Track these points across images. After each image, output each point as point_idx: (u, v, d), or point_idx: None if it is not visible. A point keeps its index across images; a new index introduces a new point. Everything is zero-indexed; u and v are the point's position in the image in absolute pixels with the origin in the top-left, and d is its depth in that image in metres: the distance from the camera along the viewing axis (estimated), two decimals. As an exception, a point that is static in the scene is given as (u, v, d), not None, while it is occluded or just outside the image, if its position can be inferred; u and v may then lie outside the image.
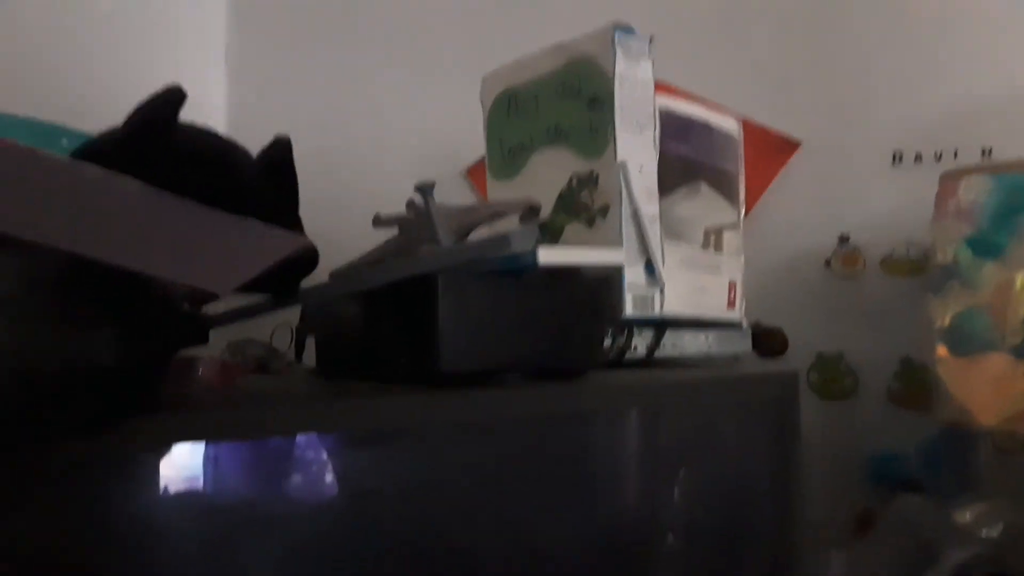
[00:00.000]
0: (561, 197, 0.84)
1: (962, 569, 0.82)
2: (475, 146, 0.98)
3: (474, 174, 1.28)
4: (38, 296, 0.44)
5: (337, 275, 0.77)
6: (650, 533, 0.89)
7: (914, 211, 1.16)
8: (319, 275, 0.75)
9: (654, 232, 0.80)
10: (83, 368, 0.44)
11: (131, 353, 0.46)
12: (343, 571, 0.64)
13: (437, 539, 0.69)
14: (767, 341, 1.23)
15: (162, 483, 0.58)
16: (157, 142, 0.54)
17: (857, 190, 1.23)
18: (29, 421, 0.45)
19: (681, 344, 0.88)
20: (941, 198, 0.91)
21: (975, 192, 0.84)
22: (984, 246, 0.83)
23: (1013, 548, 0.83)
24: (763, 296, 1.13)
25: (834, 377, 1.23)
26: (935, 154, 1.19)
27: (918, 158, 1.21)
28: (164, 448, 0.55)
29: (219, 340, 0.83)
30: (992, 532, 0.81)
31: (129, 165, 0.50)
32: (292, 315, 0.86)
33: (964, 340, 0.83)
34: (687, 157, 0.85)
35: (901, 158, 1.21)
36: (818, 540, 1.02)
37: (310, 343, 0.86)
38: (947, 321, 0.85)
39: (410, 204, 0.74)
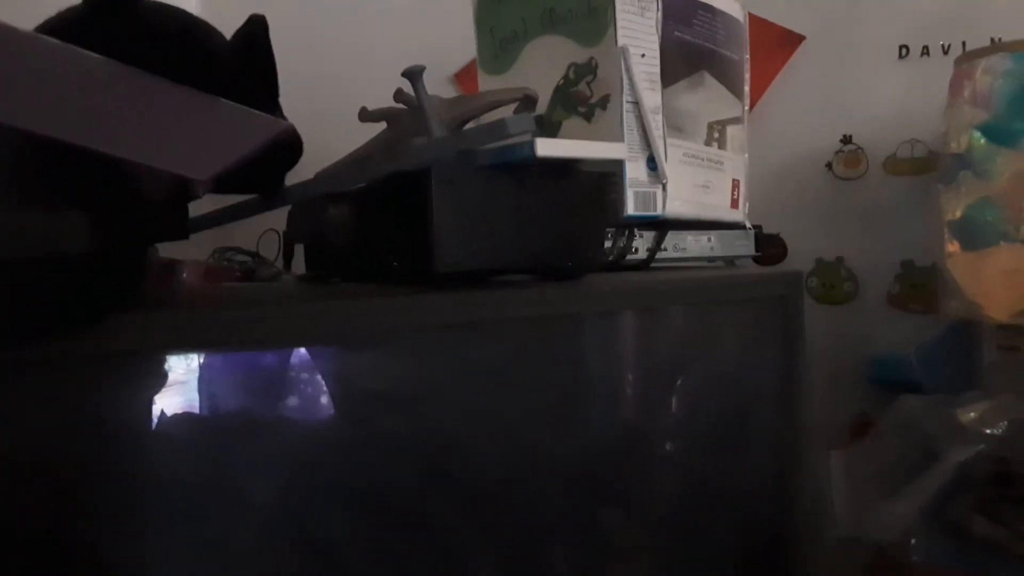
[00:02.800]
0: (558, 90, 0.79)
1: (965, 467, 0.82)
2: (463, 50, 0.93)
3: (462, 79, 1.22)
4: (3, 175, 0.40)
5: (324, 174, 0.72)
6: (651, 436, 0.88)
7: (920, 108, 1.12)
8: (304, 177, 0.71)
9: (656, 124, 0.76)
10: (51, 256, 0.40)
11: (103, 241, 0.42)
12: (338, 474, 0.62)
13: (433, 442, 0.67)
14: (765, 248, 1.20)
15: (145, 387, 0.55)
16: (121, 16, 0.49)
17: (861, 87, 1.19)
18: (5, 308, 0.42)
19: (683, 245, 0.85)
20: (955, 83, 0.87)
21: (992, 75, 0.79)
22: (999, 133, 0.79)
23: (1016, 445, 0.82)
24: (761, 202, 1.10)
25: (833, 282, 1.21)
26: (943, 47, 1.14)
27: (925, 51, 1.16)
28: (147, 348, 0.52)
29: (203, 247, 0.80)
30: (995, 430, 0.81)
31: (91, 39, 0.45)
32: (279, 221, 0.82)
33: (976, 233, 0.80)
34: (690, 43, 0.80)
35: (908, 52, 1.17)
36: (816, 444, 1.02)
37: (299, 250, 0.83)
38: (958, 214, 0.82)
39: (398, 95, 0.70)
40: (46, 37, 0.43)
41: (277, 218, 0.82)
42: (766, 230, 1.19)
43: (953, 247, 0.84)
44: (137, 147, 0.44)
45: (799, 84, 1.21)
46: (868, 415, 1.14)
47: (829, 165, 1.22)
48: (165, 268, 0.62)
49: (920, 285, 1.15)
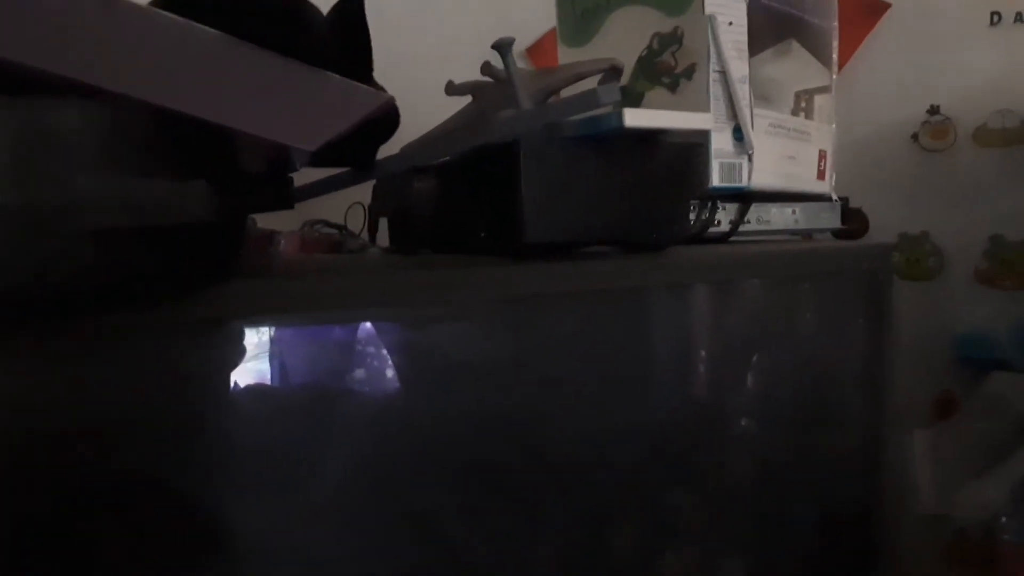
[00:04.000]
0: (640, 60, 0.79)
1: (1060, 445, 0.79)
2: (534, 24, 0.92)
3: (534, 53, 1.22)
4: (129, 146, 0.42)
5: (411, 147, 0.74)
6: (732, 411, 0.87)
7: (1013, 77, 1.08)
8: (390, 152, 0.72)
9: (743, 94, 0.75)
10: (177, 220, 0.42)
11: (222, 207, 0.44)
12: (424, 441, 0.64)
13: (520, 410, 0.68)
14: (848, 223, 1.18)
15: (247, 349, 0.57)
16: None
17: (950, 56, 1.15)
18: (126, 276, 0.44)
19: (767, 218, 0.84)
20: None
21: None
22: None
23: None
24: (843, 174, 1.08)
25: (918, 257, 1.18)
26: (1039, 12, 1.10)
27: (1018, 18, 1.11)
28: (252, 313, 0.54)
29: (294, 220, 0.82)
30: (1095, 407, 0.78)
31: (202, 14, 0.47)
32: (365, 196, 0.84)
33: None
34: (777, 11, 0.78)
35: (1000, 18, 1.12)
36: (899, 423, 1.00)
37: (383, 223, 0.85)
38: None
39: (486, 67, 0.70)
40: (164, 12, 0.45)
41: (363, 192, 0.84)
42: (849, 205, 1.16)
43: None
44: (250, 118, 0.46)
45: (884, 53, 1.18)
46: (952, 393, 1.11)
47: (915, 136, 1.18)
48: (264, 238, 0.65)
49: (1011, 261, 1.12)
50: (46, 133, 0.41)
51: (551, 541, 0.73)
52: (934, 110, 1.17)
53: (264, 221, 0.73)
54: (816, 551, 0.90)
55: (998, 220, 1.13)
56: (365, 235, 0.84)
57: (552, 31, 0.91)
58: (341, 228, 0.81)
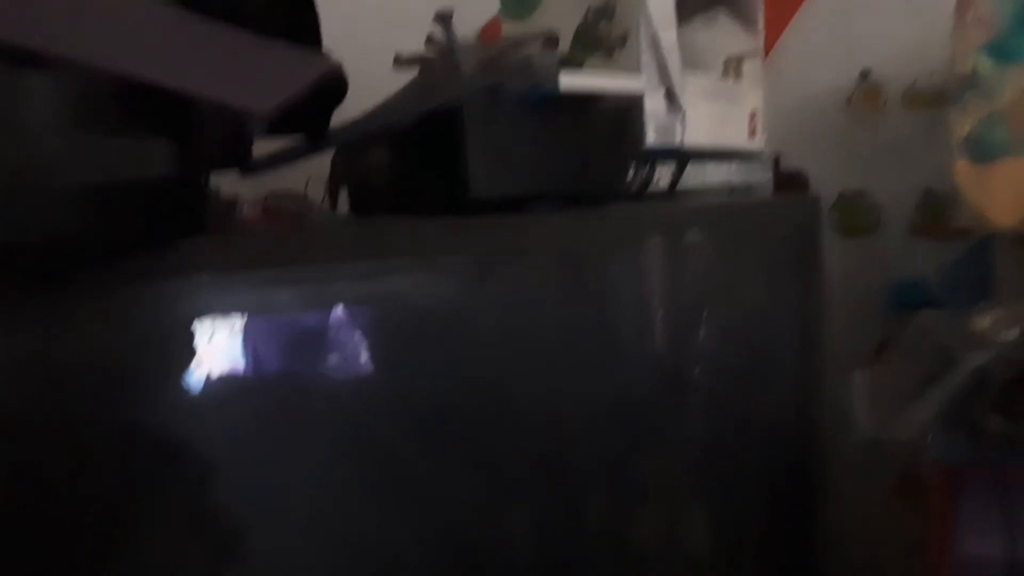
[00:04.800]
0: (578, 31, 0.84)
1: (980, 371, 0.86)
2: (485, 8, 0.97)
3: (487, 34, 1.27)
4: (94, 112, 0.46)
5: (363, 116, 0.78)
6: (675, 363, 0.93)
7: (936, 40, 1.14)
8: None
9: (673, 60, 0.81)
10: (141, 174, 0.47)
11: (183, 162, 0.49)
12: (381, 391, 0.69)
13: (469, 361, 0.73)
14: (788, 184, 1.24)
15: (211, 307, 0.61)
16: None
17: (878, 22, 1.21)
18: (94, 233, 0.48)
19: (703, 175, 0.90)
20: (960, 6, 0.90)
21: (994, -5, 0.83)
22: (1003, 51, 0.82)
23: (1030, 349, 0.86)
24: (784, 138, 1.14)
25: (855, 214, 1.25)
26: (958, -22, 1.16)
27: (940, -17, 1.18)
28: (215, 270, 0.59)
29: (257, 192, 0.86)
30: (1010, 335, 0.84)
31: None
32: (324, 168, 0.88)
33: (983, 148, 0.84)
34: (703, -19, 0.84)
35: (924, -16, 1.19)
36: (840, 367, 1.06)
37: (342, 194, 0.89)
38: (966, 131, 0.85)
39: (429, 40, 0.75)
40: (124, -12, 0.49)
41: (322, 165, 0.88)
42: (788, 166, 1.22)
43: (962, 163, 0.87)
44: (203, 84, 0.50)
45: (817, 21, 1.24)
46: (893, 338, 1.17)
47: (849, 100, 1.24)
48: (227, 206, 0.69)
49: (941, 213, 1.18)
50: (17, 99, 0.45)
51: (502, 487, 0.77)
52: (865, 74, 1.23)
53: (227, 193, 0.77)
54: (765, 493, 0.95)
55: (929, 176, 1.19)
56: (326, 204, 0.89)
57: (498, 18, 0.97)
58: (302, 197, 0.85)
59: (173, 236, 0.55)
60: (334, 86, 0.62)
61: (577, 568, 0.83)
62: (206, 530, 0.64)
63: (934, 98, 1.19)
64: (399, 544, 0.71)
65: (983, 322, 0.87)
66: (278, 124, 0.65)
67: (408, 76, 0.82)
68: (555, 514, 0.81)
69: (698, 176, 0.89)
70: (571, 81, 0.69)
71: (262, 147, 0.75)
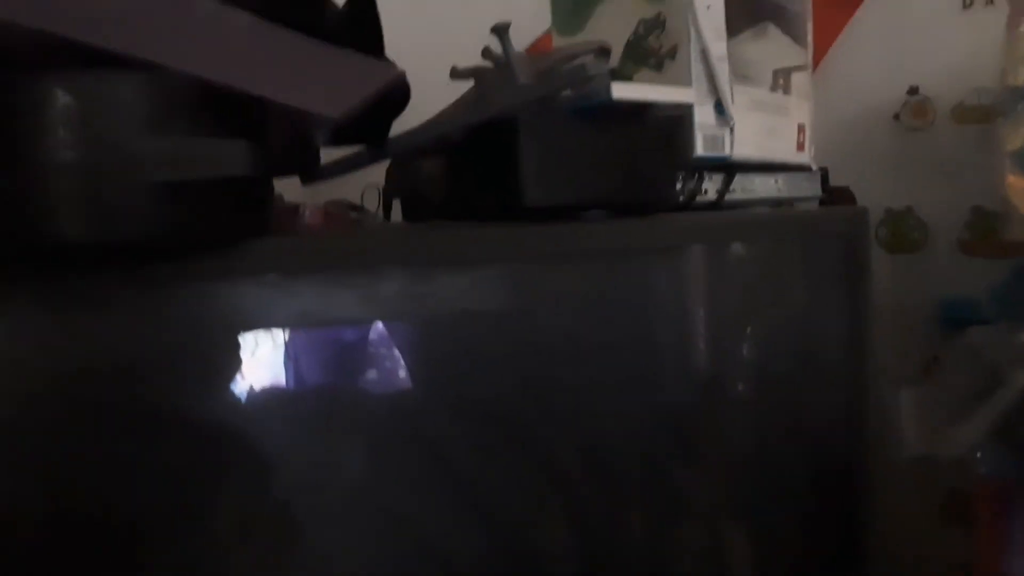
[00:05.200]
0: (628, 45, 0.86)
1: (1031, 389, 0.85)
2: (534, 25, 0.99)
3: (537, 49, 1.29)
4: (176, 112, 0.49)
5: (420, 127, 0.81)
6: (721, 373, 0.93)
7: (986, 56, 1.14)
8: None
9: (723, 71, 0.82)
10: (219, 174, 0.49)
11: (259, 164, 0.51)
12: (437, 382, 0.71)
13: (520, 365, 0.75)
14: (834, 199, 1.24)
15: (277, 307, 0.64)
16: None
17: (927, 39, 1.21)
18: (173, 231, 0.51)
19: (751, 187, 0.90)
20: (1013, 17, 0.91)
21: (1049, 8, 0.83)
22: (1057, 63, 0.83)
23: (1083, 368, 0.85)
24: (831, 154, 1.14)
25: (903, 231, 1.24)
26: (1008, -5, 1.16)
27: (989, 0, 1.18)
28: (284, 271, 0.61)
29: (316, 200, 0.89)
30: (1062, 351, 0.84)
31: (237, 1, 0.55)
32: (379, 177, 0.91)
33: (1035, 161, 0.84)
34: (753, -4, 0.86)
35: (972, 1, 1.19)
36: (888, 384, 1.06)
37: (396, 205, 0.92)
38: (1017, 144, 0.85)
39: (486, 52, 0.77)
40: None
41: (377, 176, 0.91)
42: (835, 183, 1.22)
43: (1013, 176, 0.87)
44: (279, 89, 0.53)
45: (865, 38, 1.25)
46: (941, 356, 1.16)
47: (896, 116, 1.24)
48: (290, 210, 0.72)
49: (990, 230, 1.18)
50: (109, 101, 0.48)
51: (552, 490, 0.79)
52: (914, 90, 1.23)
53: (289, 199, 0.80)
54: (810, 509, 0.95)
55: (978, 193, 1.19)
56: (380, 215, 0.91)
57: (549, 34, 0.99)
58: (359, 208, 0.88)
59: (242, 236, 0.58)
60: (397, 95, 0.64)
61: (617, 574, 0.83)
62: (262, 527, 0.66)
63: (983, 114, 1.19)
64: (445, 542, 0.73)
65: (1034, 338, 0.87)
66: (340, 133, 0.68)
67: (464, 88, 0.84)
68: (598, 520, 0.82)
69: (746, 188, 0.89)
70: (623, 91, 0.70)
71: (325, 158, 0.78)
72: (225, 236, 0.56)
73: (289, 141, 0.61)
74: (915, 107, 1.23)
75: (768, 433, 0.92)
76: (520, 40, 1.30)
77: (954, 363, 0.94)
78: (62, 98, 0.46)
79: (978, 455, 0.83)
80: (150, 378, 0.59)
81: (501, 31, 0.70)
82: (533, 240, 0.71)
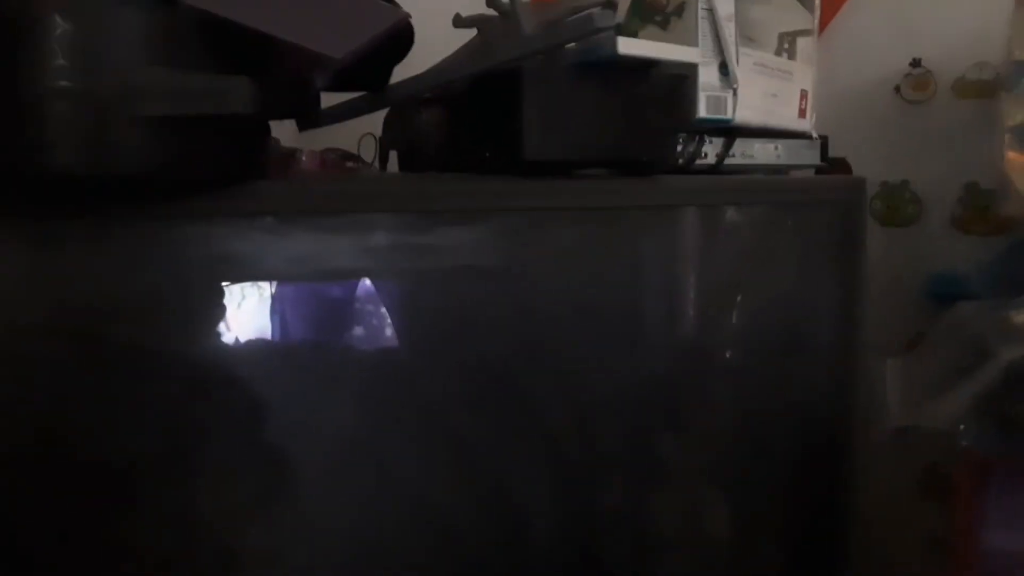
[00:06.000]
0: (634, 1, 0.84)
1: (1016, 365, 0.86)
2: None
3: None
4: (180, 44, 0.48)
5: (421, 75, 0.79)
6: (711, 338, 0.93)
7: (990, 31, 1.13)
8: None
9: (729, 32, 0.81)
10: (221, 110, 0.48)
11: (260, 102, 0.50)
12: (429, 333, 0.71)
13: (513, 317, 0.75)
14: (830, 170, 1.24)
15: (273, 250, 0.63)
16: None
17: (931, 11, 1.20)
18: (172, 166, 0.50)
19: (750, 153, 0.90)
20: (1023, -8, 0.90)
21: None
22: (1065, 38, 0.82)
23: (1070, 346, 0.86)
24: (829, 124, 1.13)
25: (897, 204, 1.24)
26: (1016, -31, 1.15)
27: (998, -27, 1.17)
28: (281, 213, 0.61)
29: (311, 146, 0.88)
30: (1049, 329, 0.85)
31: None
32: (375, 126, 0.90)
33: (1036, 136, 0.84)
34: (764, -44, 0.84)
35: (980, -25, 1.18)
36: (876, 355, 1.06)
37: (393, 156, 0.91)
38: (1018, 119, 0.85)
39: (491, 1, 0.76)
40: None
41: (373, 125, 0.90)
42: (833, 153, 1.22)
43: (1013, 152, 0.87)
44: (286, 27, 0.52)
45: (870, 8, 1.23)
46: (927, 332, 1.17)
47: (897, 89, 1.24)
48: (286, 154, 0.71)
49: (984, 207, 1.18)
50: (110, 29, 0.47)
51: (538, 447, 0.79)
52: (916, 63, 1.22)
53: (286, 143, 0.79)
54: (792, 478, 0.96)
55: (974, 169, 1.19)
56: (376, 165, 0.90)
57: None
58: (355, 157, 0.87)
59: (239, 177, 0.57)
60: (400, 40, 0.63)
61: (599, 543, 0.84)
62: (251, 475, 0.66)
63: (984, 89, 1.18)
64: (433, 500, 0.73)
65: (1021, 315, 0.87)
66: (340, 77, 0.66)
67: (467, 36, 0.83)
68: (584, 482, 0.83)
69: (745, 153, 0.89)
70: (629, 46, 0.69)
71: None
72: (221, 176, 0.55)
73: (288, 82, 0.59)
74: (916, 80, 1.22)
75: (755, 400, 0.93)
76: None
77: (940, 337, 0.95)
78: (60, 24, 0.45)
79: (960, 427, 0.84)
80: (140, 316, 0.58)
81: (508, -21, 0.69)
82: (531, 194, 0.71)
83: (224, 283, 0.61)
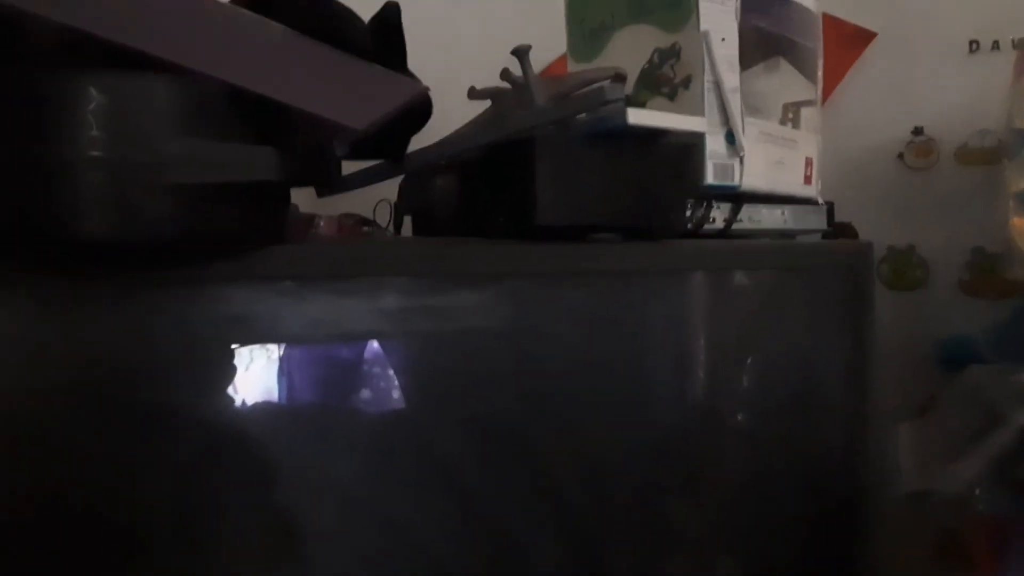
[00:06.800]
0: (643, 73, 0.87)
1: (1029, 429, 0.86)
2: (551, 48, 1.01)
3: (552, 74, 1.31)
4: (207, 115, 0.50)
5: (437, 144, 0.82)
6: (721, 401, 0.94)
7: (990, 100, 1.16)
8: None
9: (735, 103, 0.83)
10: (245, 179, 0.50)
11: (284, 171, 0.52)
12: (443, 394, 0.71)
13: (525, 379, 0.75)
14: (838, 236, 1.25)
15: (291, 313, 0.64)
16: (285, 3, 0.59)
17: (932, 81, 1.24)
18: (196, 234, 0.52)
19: (758, 218, 0.91)
20: (1020, 62, 0.93)
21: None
22: (1063, 109, 0.84)
23: (1081, 409, 0.85)
24: (835, 190, 1.15)
25: (904, 269, 1.26)
26: (1012, 41, 1.18)
27: (995, 46, 1.20)
28: (298, 278, 0.62)
29: (330, 212, 0.90)
30: (1061, 393, 0.85)
31: (269, 12, 0.56)
32: (391, 193, 0.92)
33: (1040, 203, 0.85)
34: (766, 31, 0.87)
35: (978, 46, 1.21)
36: (886, 421, 1.06)
37: (407, 221, 0.93)
38: (1022, 185, 0.87)
39: (504, 74, 0.79)
40: (243, 9, 0.53)
41: (389, 192, 0.92)
42: (839, 219, 1.24)
43: (1018, 218, 0.89)
44: (308, 99, 0.54)
45: (871, 79, 1.27)
46: (938, 395, 1.17)
47: (901, 156, 1.26)
48: (305, 220, 0.73)
49: (991, 271, 1.19)
50: (141, 101, 0.49)
51: (548, 507, 0.79)
52: (918, 131, 1.25)
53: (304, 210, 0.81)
54: (806, 543, 0.95)
55: (980, 233, 1.20)
56: (391, 230, 0.92)
57: (563, 57, 1.00)
58: (371, 222, 0.89)
59: (259, 243, 0.59)
60: (419, 111, 0.65)
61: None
62: (263, 538, 0.66)
63: (986, 157, 1.20)
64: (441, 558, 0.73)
65: (1033, 379, 0.87)
66: (360, 146, 0.68)
67: (480, 108, 0.86)
68: (593, 545, 0.82)
69: (753, 218, 0.90)
70: (639, 116, 0.71)
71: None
72: (243, 241, 0.56)
73: (310, 151, 0.61)
74: (919, 147, 1.25)
75: (766, 463, 0.93)
76: (534, 65, 1.32)
77: (952, 401, 0.95)
78: (96, 96, 0.47)
79: (976, 493, 0.83)
80: (161, 380, 0.59)
81: (522, 53, 0.72)
82: (543, 258, 0.72)
83: (242, 346, 0.62)
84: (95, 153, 0.48)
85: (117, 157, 0.48)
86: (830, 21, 1.16)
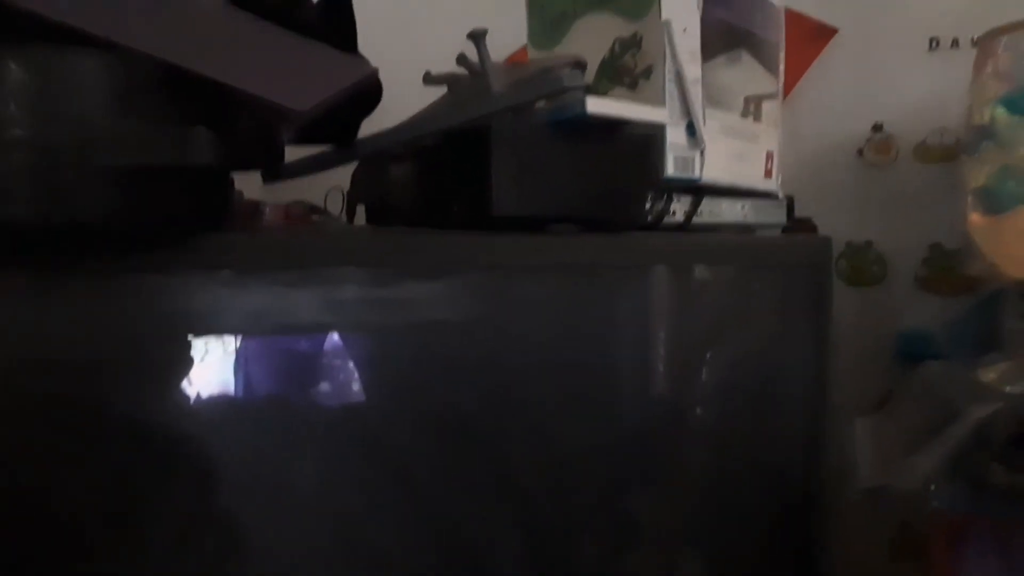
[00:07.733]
0: (604, 63, 0.85)
1: (984, 423, 0.86)
2: (514, 38, 0.99)
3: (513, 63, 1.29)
4: (139, 94, 0.47)
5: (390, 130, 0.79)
6: (679, 396, 0.93)
7: (950, 97, 1.16)
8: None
9: (696, 94, 0.82)
10: (179, 162, 0.47)
11: (220, 154, 0.49)
12: (394, 389, 0.69)
13: (480, 371, 0.73)
14: (796, 230, 1.25)
15: (230, 305, 0.61)
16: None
17: (892, 78, 1.24)
18: (126, 217, 0.49)
19: (718, 212, 0.90)
20: (979, 60, 0.93)
21: (1013, 51, 0.85)
22: (1021, 105, 0.84)
23: (1037, 404, 0.86)
24: (794, 186, 1.15)
25: (862, 264, 1.26)
26: (972, 39, 1.18)
27: (955, 43, 1.20)
28: (238, 268, 0.59)
29: (278, 200, 0.87)
30: (1016, 388, 0.85)
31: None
32: (343, 180, 0.89)
33: (997, 199, 0.85)
34: (729, 23, 0.86)
35: (938, 44, 1.21)
36: (843, 414, 1.06)
37: (360, 210, 0.90)
38: (981, 181, 0.87)
39: (461, 59, 0.76)
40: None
41: (341, 179, 0.89)
42: (798, 213, 1.24)
43: (975, 214, 0.89)
44: (247, 78, 0.51)
45: (832, 75, 1.26)
46: (895, 392, 1.18)
47: (860, 152, 1.26)
48: (250, 207, 0.70)
49: (948, 267, 1.20)
50: (66, 78, 0.46)
51: (505, 501, 0.77)
52: (878, 127, 1.25)
53: (249, 197, 0.78)
54: (765, 537, 0.95)
55: (937, 230, 1.21)
56: (343, 218, 0.89)
57: (524, 49, 0.98)
58: (321, 210, 0.86)
59: (197, 229, 0.56)
60: (368, 94, 0.63)
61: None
62: (204, 532, 0.63)
63: (944, 154, 1.21)
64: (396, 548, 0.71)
65: (989, 374, 0.87)
66: (307, 131, 0.66)
67: (435, 94, 0.83)
68: (552, 538, 0.81)
69: (713, 212, 0.89)
70: (598, 106, 0.70)
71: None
72: (180, 227, 0.54)
73: (253, 135, 0.59)
74: (878, 144, 1.25)
75: (722, 458, 0.92)
76: (495, 54, 1.29)
77: (909, 396, 0.95)
78: (15, 71, 0.44)
79: (931, 488, 0.83)
80: (92, 371, 0.56)
81: (478, 37, 0.69)
82: (499, 250, 0.70)
83: (180, 338, 0.59)
84: (16, 132, 0.45)
85: (40, 137, 0.45)
86: (792, 16, 1.15)
